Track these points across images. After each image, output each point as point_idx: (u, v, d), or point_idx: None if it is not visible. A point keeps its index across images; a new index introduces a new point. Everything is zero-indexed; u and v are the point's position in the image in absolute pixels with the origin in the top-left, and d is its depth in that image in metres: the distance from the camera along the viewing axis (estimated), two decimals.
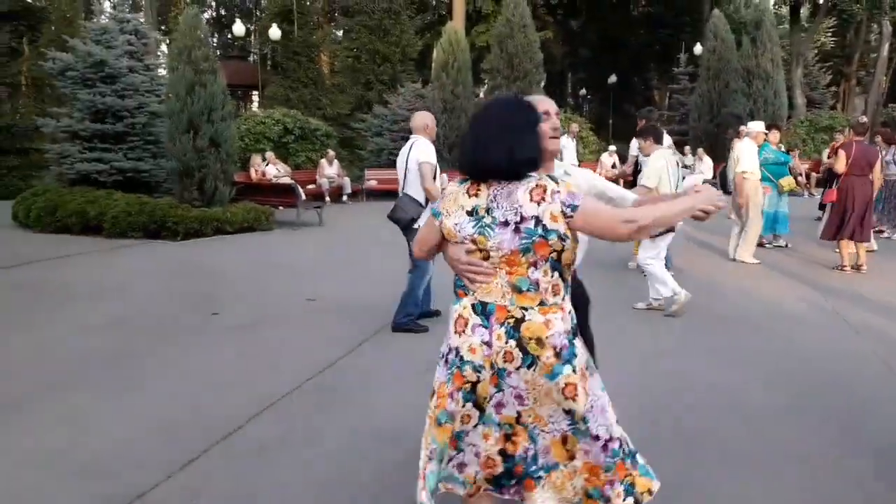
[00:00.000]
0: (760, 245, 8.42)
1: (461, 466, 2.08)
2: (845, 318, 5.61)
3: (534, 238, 1.89)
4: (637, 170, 8.06)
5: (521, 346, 1.92)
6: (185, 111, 10.83)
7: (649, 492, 2.06)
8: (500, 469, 2.03)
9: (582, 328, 2.18)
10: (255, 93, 28.29)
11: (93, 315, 5.81)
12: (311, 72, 23.38)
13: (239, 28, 25.71)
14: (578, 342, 2.02)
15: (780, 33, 22.21)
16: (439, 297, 5.37)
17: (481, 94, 22.16)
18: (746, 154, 7.91)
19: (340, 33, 28.04)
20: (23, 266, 8.08)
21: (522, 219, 1.89)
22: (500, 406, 1.99)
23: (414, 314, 5.28)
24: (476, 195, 1.97)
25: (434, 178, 5.12)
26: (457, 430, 2.04)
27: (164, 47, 19.06)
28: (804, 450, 3.23)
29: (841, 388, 4.04)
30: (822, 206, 9.64)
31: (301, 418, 3.63)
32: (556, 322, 1.94)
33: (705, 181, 16.16)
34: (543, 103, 2.28)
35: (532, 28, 17.79)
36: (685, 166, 16.00)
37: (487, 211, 1.94)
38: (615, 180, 6.79)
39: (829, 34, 32.82)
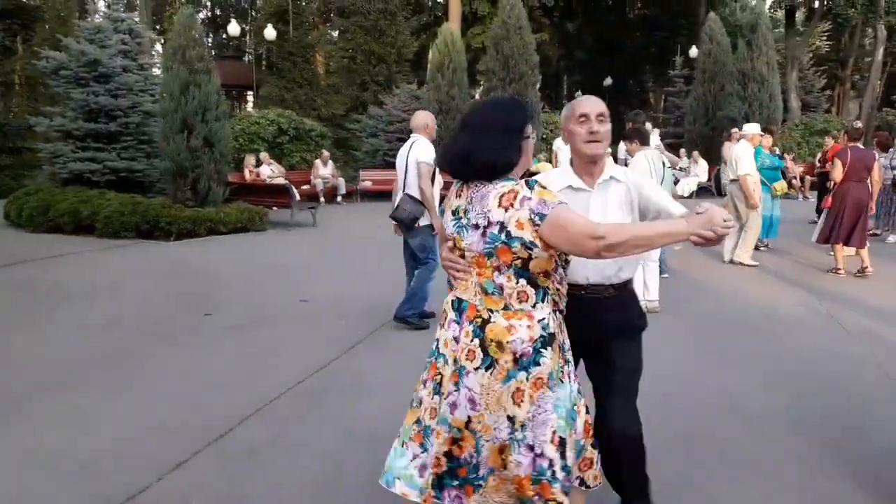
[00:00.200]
0: (755, 248, 8.41)
1: (422, 469, 2.06)
2: (840, 321, 5.60)
3: (496, 244, 1.89)
4: None
5: (483, 346, 1.92)
6: (180, 111, 10.77)
7: None
8: (444, 468, 2.01)
9: (623, 354, 2.25)
10: (249, 93, 28.28)
11: (87, 315, 5.76)
12: (306, 72, 23.31)
13: (234, 28, 25.72)
14: (549, 353, 1.94)
15: (775, 37, 22.31)
16: (438, 298, 5.33)
17: (477, 96, 22.12)
18: (746, 156, 7.91)
19: (336, 34, 28.03)
20: (16, 265, 8.00)
21: (489, 223, 1.89)
22: (454, 406, 1.97)
23: (418, 310, 5.28)
24: (460, 196, 2.01)
25: (433, 178, 5.11)
26: (426, 424, 2.05)
27: (158, 47, 18.93)
28: (804, 450, 3.22)
29: (839, 389, 4.04)
30: (819, 211, 9.66)
31: (294, 419, 3.60)
32: (520, 329, 1.91)
33: (699, 184, 16.31)
34: (582, 106, 2.24)
35: (528, 30, 17.79)
36: (681, 169, 16.03)
37: (465, 212, 1.97)
38: None
39: (824, 38, 32.98)
